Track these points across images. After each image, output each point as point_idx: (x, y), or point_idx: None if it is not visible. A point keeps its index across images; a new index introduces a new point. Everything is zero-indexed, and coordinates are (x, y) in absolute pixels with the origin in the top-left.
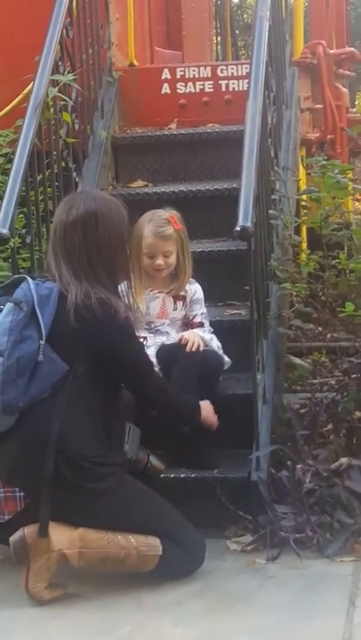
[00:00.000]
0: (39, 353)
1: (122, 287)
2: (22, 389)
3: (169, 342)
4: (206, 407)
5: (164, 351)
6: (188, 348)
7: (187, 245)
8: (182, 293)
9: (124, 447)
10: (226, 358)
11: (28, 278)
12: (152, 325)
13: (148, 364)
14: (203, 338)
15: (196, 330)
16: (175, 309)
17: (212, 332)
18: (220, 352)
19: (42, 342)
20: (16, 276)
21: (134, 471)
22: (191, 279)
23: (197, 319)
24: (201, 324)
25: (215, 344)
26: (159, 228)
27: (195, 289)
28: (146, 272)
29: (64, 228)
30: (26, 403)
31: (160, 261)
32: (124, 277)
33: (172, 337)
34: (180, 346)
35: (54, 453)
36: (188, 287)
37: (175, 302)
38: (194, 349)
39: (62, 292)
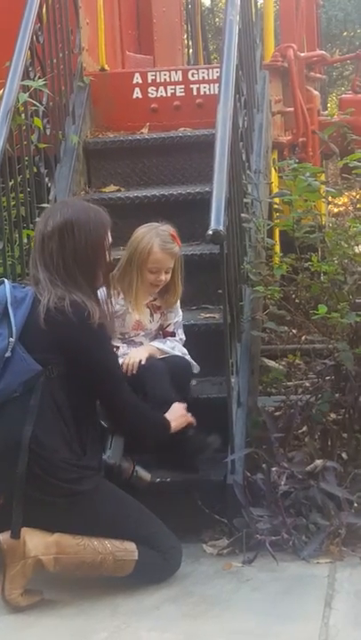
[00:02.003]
0: (7, 349)
1: (101, 294)
2: None
3: None
4: (175, 415)
5: None
6: (128, 373)
7: (182, 261)
8: (159, 304)
9: (106, 453)
10: (193, 363)
11: (6, 281)
12: (126, 336)
13: (120, 377)
14: (162, 349)
15: (155, 343)
16: (151, 321)
17: (183, 340)
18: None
19: (11, 340)
20: None
21: (119, 481)
22: None
23: (170, 328)
24: (173, 334)
25: (178, 351)
26: (168, 244)
27: None
28: (142, 285)
29: (42, 238)
30: None
31: (162, 277)
32: (105, 282)
33: (141, 347)
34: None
35: (27, 453)
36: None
37: (152, 314)
38: (134, 371)
39: (37, 297)
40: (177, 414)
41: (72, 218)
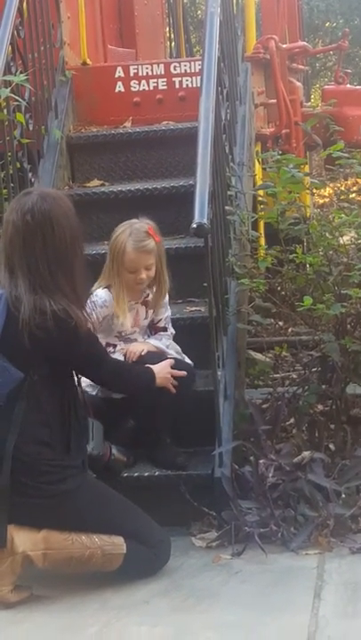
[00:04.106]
0: None
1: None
2: None
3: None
4: (161, 371)
5: None
6: (131, 359)
7: (164, 257)
8: (151, 299)
9: (89, 444)
10: (188, 361)
11: None
12: (123, 334)
13: (103, 353)
14: (158, 347)
15: (151, 340)
16: (146, 318)
17: (173, 333)
18: (180, 356)
19: None
20: None
21: (97, 466)
22: None
23: (161, 323)
24: (164, 329)
25: (173, 349)
26: (140, 242)
27: None
28: (127, 285)
29: (22, 238)
30: None
31: (143, 276)
32: (84, 278)
33: (141, 341)
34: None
35: (10, 463)
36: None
37: (147, 311)
38: (135, 359)
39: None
40: (161, 373)
41: (50, 212)
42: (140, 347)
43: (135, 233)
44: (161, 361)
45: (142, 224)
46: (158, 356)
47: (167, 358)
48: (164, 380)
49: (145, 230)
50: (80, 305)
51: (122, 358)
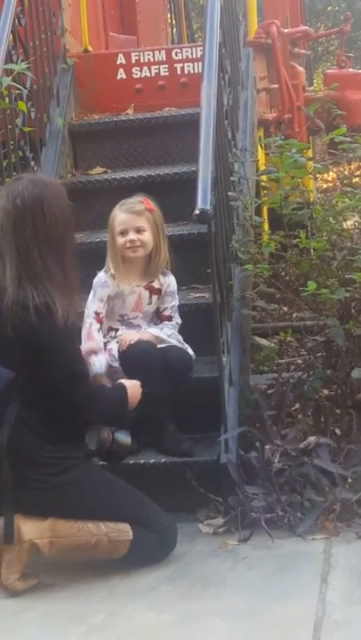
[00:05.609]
0: None
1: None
2: None
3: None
4: (131, 389)
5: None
6: (121, 348)
7: (162, 228)
8: (157, 286)
9: (85, 439)
10: (190, 352)
11: None
12: (125, 318)
13: (82, 373)
14: (158, 336)
15: (151, 329)
16: (150, 303)
17: (179, 323)
18: (183, 346)
19: None
20: None
21: (102, 452)
22: (166, 270)
23: (167, 312)
24: (169, 318)
25: (175, 339)
26: (130, 205)
27: (169, 281)
28: (123, 257)
29: (12, 222)
30: None
31: (132, 236)
32: (76, 264)
33: (144, 329)
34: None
35: (7, 459)
36: (163, 279)
37: (151, 296)
38: (125, 347)
39: None
40: (132, 391)
41: (41, 195)
42: (132, 336)
43: (127, 202)
44: (150, 353)
45: (136, 197)
46: (148, 347)
47: (157, 349)
48: (135, 397)
49: (138, 199)
50: (69, 292)
51: (116, 347)
